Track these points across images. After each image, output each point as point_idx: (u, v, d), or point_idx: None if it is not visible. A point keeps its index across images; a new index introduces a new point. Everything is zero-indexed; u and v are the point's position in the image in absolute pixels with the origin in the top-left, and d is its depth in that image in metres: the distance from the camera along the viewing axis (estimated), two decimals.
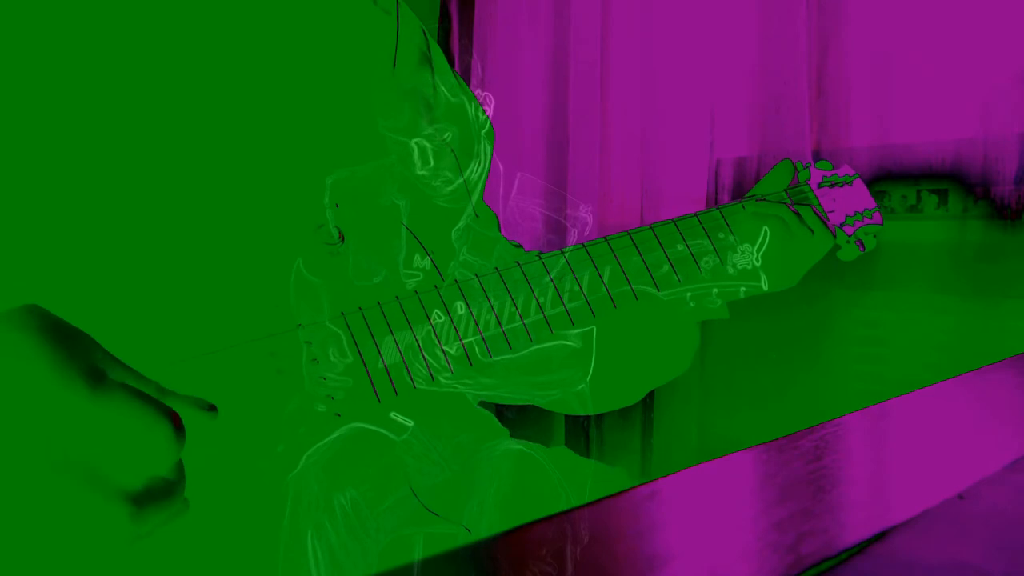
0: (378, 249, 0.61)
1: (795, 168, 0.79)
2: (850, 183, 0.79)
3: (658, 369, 0.80)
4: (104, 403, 0.40)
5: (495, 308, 0.62)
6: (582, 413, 0.89)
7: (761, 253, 0.71)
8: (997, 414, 0.48)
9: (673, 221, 0.70)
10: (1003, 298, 1.19)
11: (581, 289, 0.65)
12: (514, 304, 0.63)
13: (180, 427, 0.42)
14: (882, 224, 0.78)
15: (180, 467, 0.44)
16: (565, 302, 0.64)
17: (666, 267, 0.68)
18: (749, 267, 0.71)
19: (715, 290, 0.71)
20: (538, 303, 0.64)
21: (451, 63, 1.73)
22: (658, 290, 0.68)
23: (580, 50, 1.55)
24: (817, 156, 1.34)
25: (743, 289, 0.72)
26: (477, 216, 0.75)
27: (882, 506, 0.32)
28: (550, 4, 1.60)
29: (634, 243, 0.68)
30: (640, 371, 0.80)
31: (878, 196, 1.30)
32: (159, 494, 0.42)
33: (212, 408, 0.46)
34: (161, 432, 0.41)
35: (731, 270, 0.71)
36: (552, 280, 0.64)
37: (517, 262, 0.64)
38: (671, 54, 1.46)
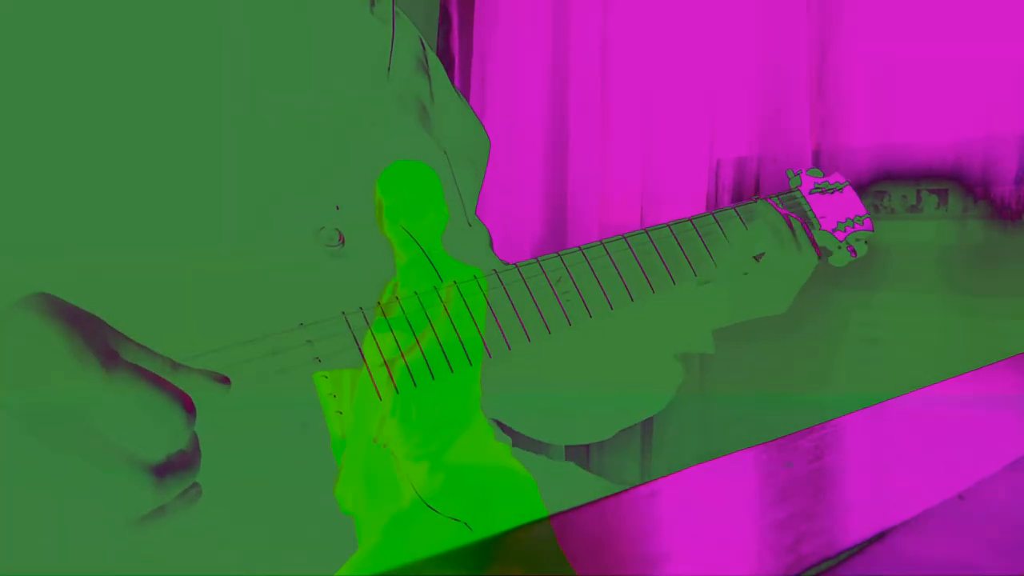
0: (378, 250, 0.61)
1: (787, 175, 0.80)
2: (840, 190, 0.79)
3: (631, 408, 0.78)
4: (118, 386, 0.42)
5: (493, 309, 0.62)
6: (554, 442, 0.86)
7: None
8: (997, 414, 0.48)
9: (668, 225, 0.71)
10: (1003, 298, 1.19)
11: (579, 292, 0.65)
12: (511, 304, 0.63)
13: (191, 408, 0.44)
14: (872, 231, 0.79)
15: (195, 441, 0.46)
16: (562, 303, 0.64)
17: (662, 271, 0.68)
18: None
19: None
20: (536, 305, 0.64)
21: (451, 63, 1.74)
22: (653, 292, 0.67)
23: (580, 50, 1.55)
24: (817, 156, 1.34)
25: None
26: (471, 226, 0.75)
27: (882, 506, 0.32)
28: (550, 4, 1.60)
29: (630, 247, 0.68)
30: (613, 407, 0.77)
31: (878, 196, 1.30)
32: (177, 465, 0.44)
33: (225, 380, 0.49)
34: (172, 414, 0.43)
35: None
36: (550, 283, 0.64)
37: (515, 264, 0.64)
38: (671, 54, 1.46)
